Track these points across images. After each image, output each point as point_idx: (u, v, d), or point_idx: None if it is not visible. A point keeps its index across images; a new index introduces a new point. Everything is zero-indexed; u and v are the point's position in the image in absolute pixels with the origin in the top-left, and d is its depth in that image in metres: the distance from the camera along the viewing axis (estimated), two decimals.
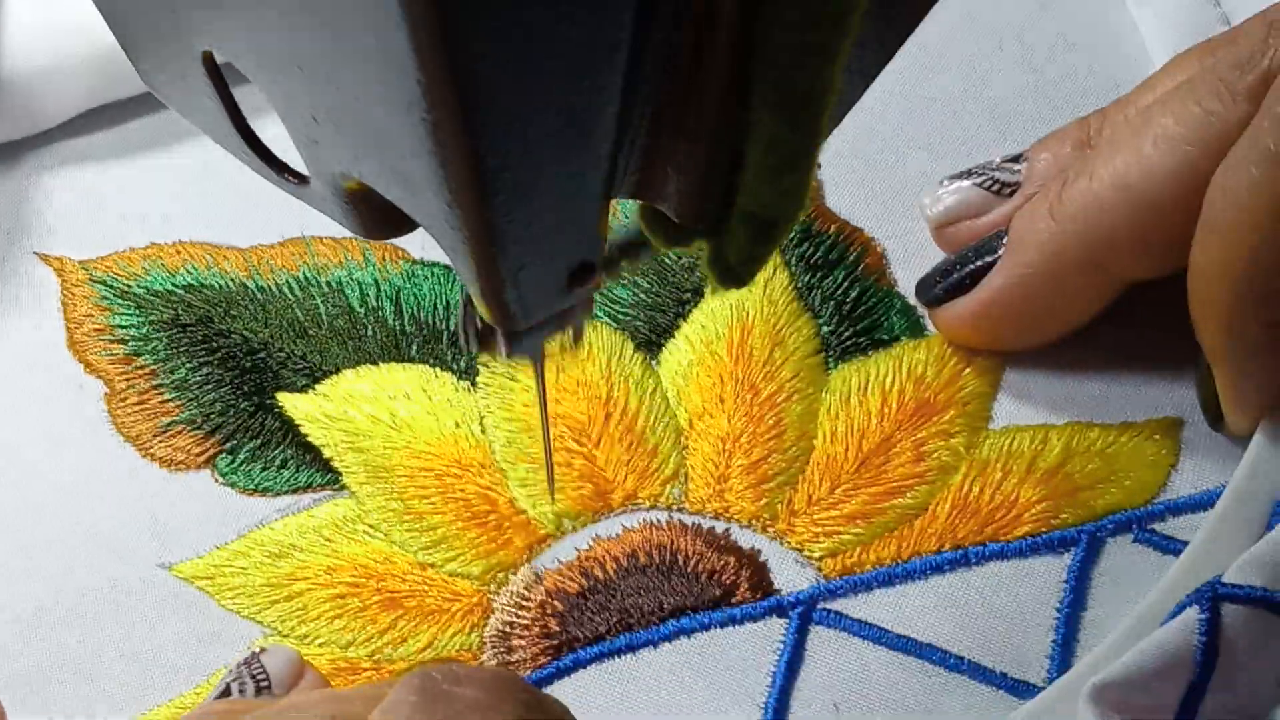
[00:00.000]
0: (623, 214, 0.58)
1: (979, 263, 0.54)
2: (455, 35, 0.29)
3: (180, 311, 0.59)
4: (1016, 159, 0.56)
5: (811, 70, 0.34)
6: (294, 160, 0.38)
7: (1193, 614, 0.45)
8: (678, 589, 0.51)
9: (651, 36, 0.33)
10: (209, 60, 0.36)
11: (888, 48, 0.39)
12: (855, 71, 0.37)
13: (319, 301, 0.59)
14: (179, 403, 0.57)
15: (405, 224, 0.37)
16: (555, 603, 0.51)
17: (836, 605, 0.51)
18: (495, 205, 0.33)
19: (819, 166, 0.36)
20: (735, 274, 0.40)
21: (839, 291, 0.58)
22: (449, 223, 0.33)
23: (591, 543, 0.53)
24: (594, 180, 0.35)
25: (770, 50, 0.34)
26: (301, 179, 0.38)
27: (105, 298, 0.59)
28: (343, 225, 0.38)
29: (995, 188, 0.55)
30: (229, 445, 0.56)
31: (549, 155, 0.33)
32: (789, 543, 0.52)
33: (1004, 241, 0.53)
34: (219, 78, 0.37)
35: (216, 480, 0.55)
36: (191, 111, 0.39)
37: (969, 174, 0.56)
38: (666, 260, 0.59)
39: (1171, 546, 0.51)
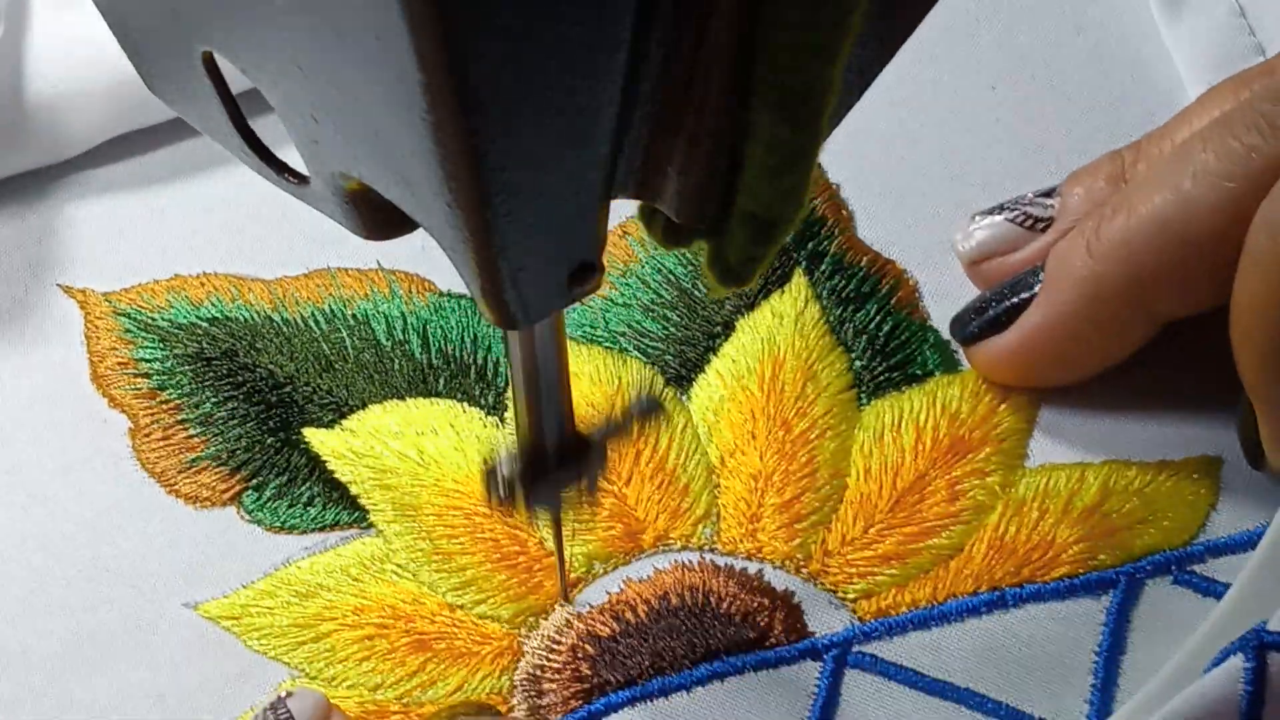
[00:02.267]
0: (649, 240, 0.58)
1: (1014, 299, 0.53)
2: (455, 35, 0.29)
3: (205, 345, 0.58)
4: (1049, 193, 0.55)
5: (811, 70, 0.34)
6: (294, 160, 0.37)
7: (1237, 662, 0.44)
8: (711, 632, 0.51)
9: (651, 36, 0.33)
10: (209, 61, 0.36)
11: (888, 48, 0.38)
12: (855, 71, 0.37)
13: (345, 335, 0.58)
14: (204, 438, 0.56)
15: (405, 224, 0.37)
16: (587, 646, 0.51)
17: (871, 648, 0.50)
18: (495, 205, 0.33)
19: (819, 166, 0.36)
20: (735, 274, 0.39)
21: (871, 325, 0.57)
22: (449, 223, 0.33)
23: (623, 585, 0.52)
24: (594, 180, 0.35)
25: (770, 50, 0.33)
26: (301, 179, 0.38)
27: (129, 330, 0.59)
28: (343, 225, 0.38)
29: (1028, 223, 0.55)
30: (255, 482, 0.55)
31: (549, 155, 0.33)
32: (823, 584, 0.52)
33: (1039, 278, 0.53)
34: (219, 78, 0.37)
35: (242, 517, 0.55)
36: (192, 112, 0.39)
37: (1001, 209, 0.56)
38: (695, 294, 0.58)
39: (1211, 589, 0.50)
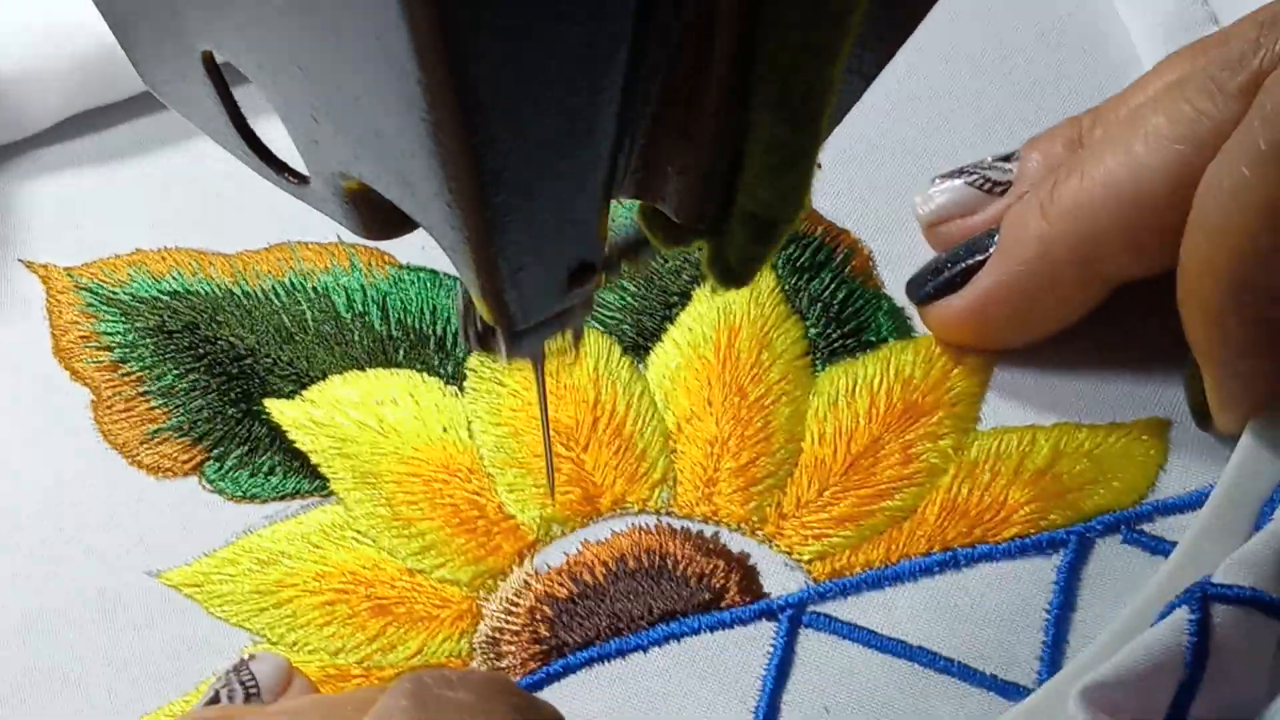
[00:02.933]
0: (622, 213, 0.58)
1: (970, 261, 0.54)
2: (455, 35, 0.29)
3: (166, 318, 0.59)
4: (1008, 158, 0.56)
5: (811, 70, 0.34)
6: (294, 160, 0.37)
7: (1182, 614, 0.45)
8: (667, 593, 0.51)
9: (651, 36, 0.33)
10: (209, 60, 0.36)
11: (888, 47, 0.39)
12: (855, 71, 0.38)
13: (305, 307, 0.58)
14: (165, 410, 0.57)
15: (405, 224, 0.37)
16: (544, 608, 0.51)
17: (826, 608, 0.51)
18: (495, 205, 0.33)
19: (819, 167, 0.36)
20: (735, 274, 0.40)
21: (826, 293, 0.58)
22: (449, 223, 0.33)
23: (580, 547, 0.53)
24: (594, 180, 0.35)
25: (770, 50, 0.34)
26: (301, 179, 0.38)
27: (91, 304, 0.59)
28: (343, 225, 0.38)
29: (987, 186, 0.55)
30: (216, 452, 0.56)
31: (549, 155, 0.33)
32: (778, 546, 0.52)
33: (995, 240, 0.53)
34: (219, 78, 0.37)
35: (204, 487, 0.55)
36: (191, 111, 0.39)
37: (961, 173, 0.56)
38: (653, 264, 0.59)
39: (1160, 547, 0.51)
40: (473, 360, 0.57)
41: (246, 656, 0.49)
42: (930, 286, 0.55)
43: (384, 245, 0.60)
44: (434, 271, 0.59)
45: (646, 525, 0.53)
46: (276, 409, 0.56)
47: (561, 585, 0.52)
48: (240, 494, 0.55)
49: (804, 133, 0.35)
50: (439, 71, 0.29)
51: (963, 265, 0.54)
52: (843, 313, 0.57)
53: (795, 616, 0.51)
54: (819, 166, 0.37)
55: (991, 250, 0.53)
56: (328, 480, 0.55)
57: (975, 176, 0.56)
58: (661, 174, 0.37)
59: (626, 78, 0.33)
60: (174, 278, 0.60)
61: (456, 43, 0.29)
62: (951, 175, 0.56)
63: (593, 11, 0.31)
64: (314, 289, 0.59)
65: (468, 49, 0.29)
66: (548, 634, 0.51)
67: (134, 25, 0.38)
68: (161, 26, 0.37)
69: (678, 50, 0.34)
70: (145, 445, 0.56)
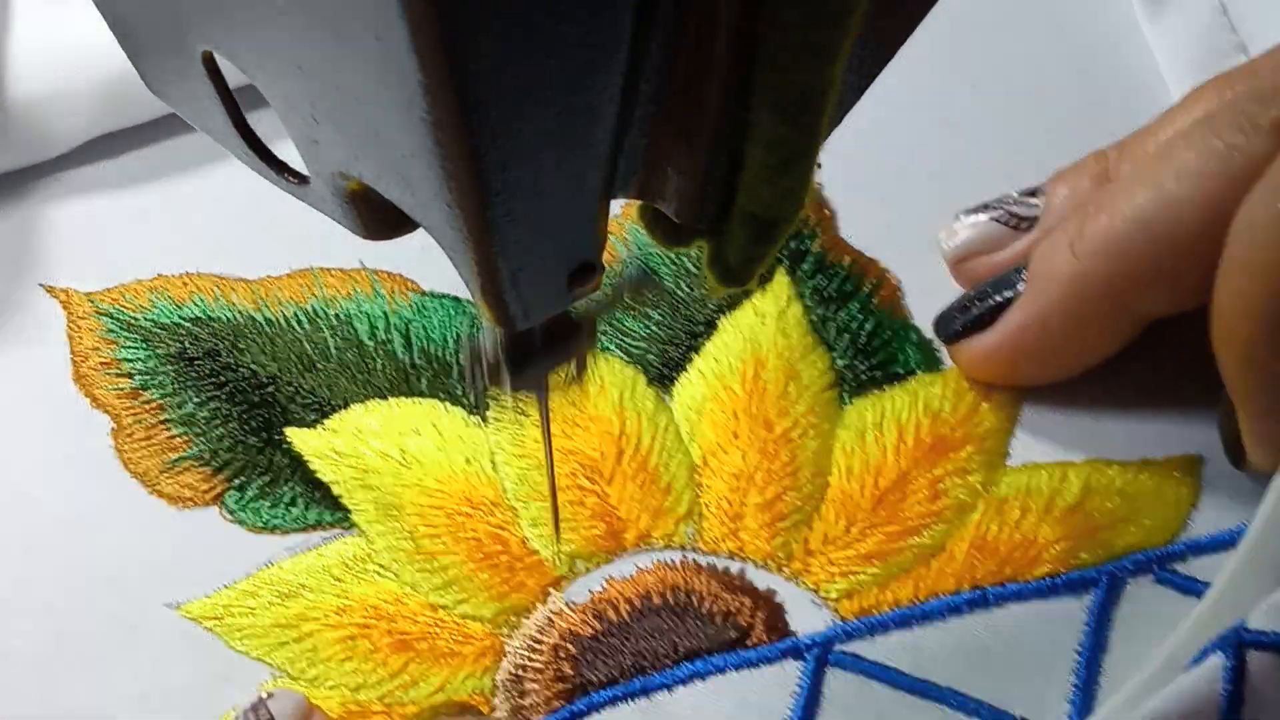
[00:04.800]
0: (632, 239, 0.58)
1: (998, 298, 0.53)
2: (455, 35, 0.29)
3: (187, 345, 0.58)
4: (1033, 193, 0.55)
5: (811, 70, 0.34)
6: (294, 160, 0.37)
7: (1217, 661, 0.44)
8: (692, 631, 0.51)
9: (651, 36, 0.33)
10: (209, 60, 0.36)
11: (888, 48, 0.38)
12: (855, 71, 0.37)
13: (328, 334, 0.58)
14: (186, 438, 0.56)
15: (405, 224, 0.37)
16: (569, 646, 0.51)
17: (853, 647, 0.50)
18: (495, 205, 0.32)
19: (819, 166, 0.36)
20: (735, 274, 0.39)
21: (854, 324, 0.57)
22: (449, 223, 0.33)
23: (605, 584, 0.52)
24: (594, 180, 0.35)
25: (770, 50, 0.33)
26: (301, 179, 0.38)
27: (111, 330, 0.59)
28: (343, 225, 0.38)
29: (1012, 222, 0.55)
30: (237, 482, 0.55)
31: (549, 155, 0.33)
32: (805, 583, 0.52)
33: (1023, 277, 0.53)
34: (219, 78, 0.37)
35: (224, 517, 0.55)
36: (192, 111, 0.39)
37: (985, 208, 0.56)
38: (678, 292, 0.58)
39: (1193, 587, 0.50)
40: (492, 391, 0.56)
41: (264, 695, 0.48)
42: (959, 324, 0.55)
43: (407, 271, 0.60)
44: (457, 299, 0.59)
45: (671, 561, 0.52)
46: (298, 438, 0.56)
47: (585, 622, 0.51)
48: (261, 525, 0.54)
49: (804, 133, 0.35)
50: (439, 71, 0.29)
51: (991, 303, 0.54)
52: (870, 344, 0.57)
53: (822, 656, 0.50)
54: (819, 165, 0.36)
55: (1020, 288, 0.53)
56: (349, 512, 0.54)
57: (1000, 212, 0.55)
58: (661, 174, 0.37)
59: (626, 78, 0.33)
60: (195, 304, 0.59)
61: (456, 43, 0.29)
62: (976, 210, 0.56)
63: (593, 11, 0.31)
64: (336, 316, 0.59)
65: (468, 49, 0.29)
66: (571, 672, 0.50)
67: (134, 26, 0.38)
68: (162, 27, 0.37)
69: (678, 50, 0.34)
70: (165, 474, 0.55)
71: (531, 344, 0.43)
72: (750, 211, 0.37)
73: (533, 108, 0.31)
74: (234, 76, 0.37)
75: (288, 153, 0.38)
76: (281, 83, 0.34)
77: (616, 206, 0.59)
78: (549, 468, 0.49)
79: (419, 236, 0.37)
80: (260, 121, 0.38)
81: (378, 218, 0.37)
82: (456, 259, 0.35)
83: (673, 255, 0.59)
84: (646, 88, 0.34)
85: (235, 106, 0.37)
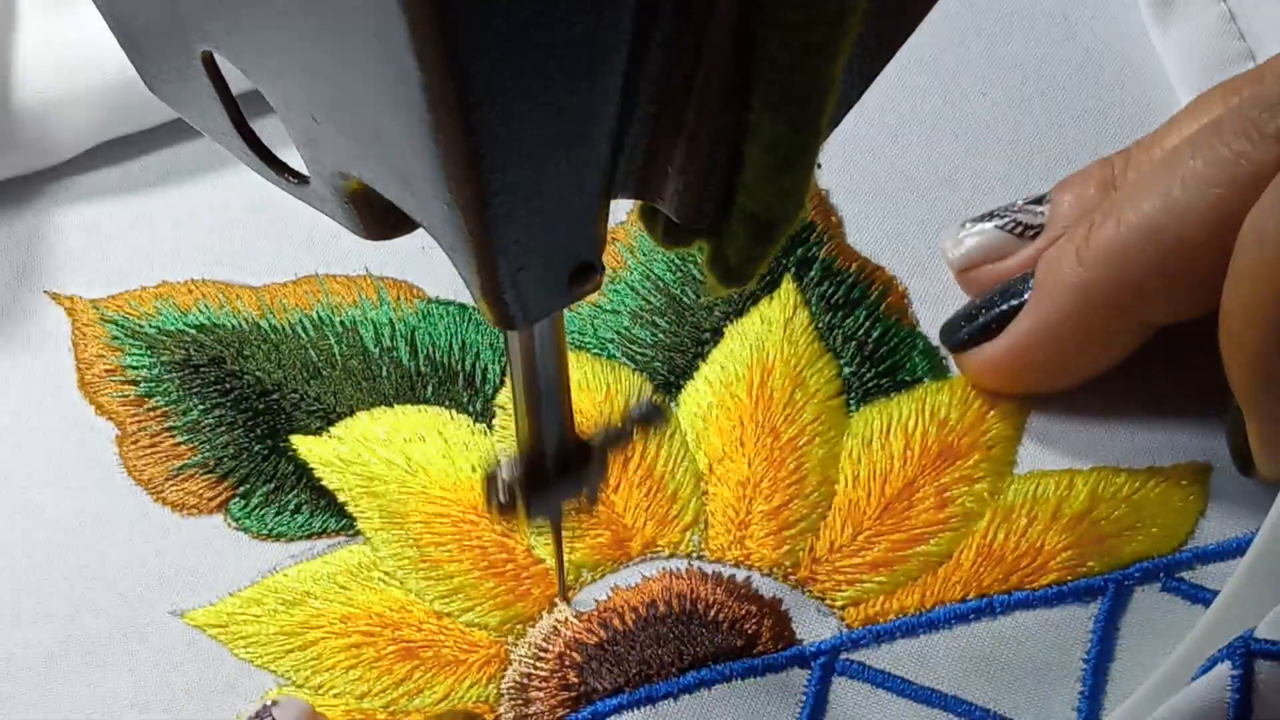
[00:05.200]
0: (638, 245, 0.58)
1: (1004, 306, 0.53)
2: (455, 35, 0.29)
3: (192, 352, 0.58)
4: (1039, 200, 0.55)
5: (811, 70, 0.34)
6: (294, 160, 0.37)
7: (1225, 670, 0.44)
8: (698, 639, 0.51)
9: (651, 36, 0.33)
10: (209, 60, 0.36)
11: (888, 48, 0.38)
12: (855, 71, 0.37)
13: (333, 341, 0.58)
14: (191, 445, 0.56)
15: (405, 224, 0.37)
16: (574, 654, 0.51)
17: (859, 656, 0.50)
18: (495, 205, 0.33)
19: (819, 166, 0.36)
20: (735, 274, 0.39)
21: (860, 332, 0.57)
22: (449, 223, 0.33)
23: (610, 592, 0.52)
24: (594, 180, 0.35)
25: (770, 50, 0.33)
26: (301, 179, 0.38)
27: (116, 337, 0.59)
28: (343, 225, 0.38)
29: (1018, 230, 0.55)
30: (242, 489, 0.55)
31: (549, 155, 0.33)
32: (811, 591, 0.52)
33: (1029, 285, 0.53)
34: (219, 78, 0.37)
35: (229, 525, 0.54)
36: (192, 111, 0.39)
37: (991, 216, 0.56)
38: (685, 300, 0.58)
39: (1200, 596, 0.50)
40: (501, 397, 0.56)
41: (269, 702, 0.48)
42: (965, 333, 0.54)
43: (412, 278, 0.59)
44: (463, 306, 0.59)
45: (677, 570, 0.52)
46: (303, 446, 0.56)
47: (591, 631, 0.51)
48: (265, 532, 0.54)
49: (804, 132, 0.35)
50: (439, 72, 0.29)
51: (998, 311, 0.53)
52: (877, 351, 0.57)
53: (828, 664, 0.50)
54: (819, 166, 0.36)
55: (1026, 296, 0.53)
56: (354, 519, 0.54)
57: (1006, 220, 0.55)
58: (661, 174, 0.37)
59: (626, 78, 0.33)
60: (200, 310, 0.59)
61: (456, 43, 0.29)
62: (981, 219, 0.56)
63: (593, 12, 0.31)
64: (342, 323, 0.58)
65: (467, 49, 0.29)
66: (577, 680, 0.50)
67: (135, 26, 0.38)
68: (162, 27, 0.37)
69: (677, 50, 0.34)
70: (170, 482, 0.55)
71: (546, 471, 0.45)
72: (750, 211, 0.37)
73: (533, 108, 0.31)
74: (236, 81, 0.37)
75: (288, 153, 0.38)
76: (281, 83, 0.34)
77: (622, 213, 0.59)
78: (559, 576, 0.51)
79: (419, 237, 0.37)
80: (263, 130, 0.38)
81: (378, 218, 0.37)
82: (456, 259, 0.35)
83: (678, 262, 0.59)
84: (646, 88, 0.34)
85: (235, 106, 0.37)
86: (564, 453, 0.45)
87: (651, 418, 0.47)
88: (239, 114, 0.38)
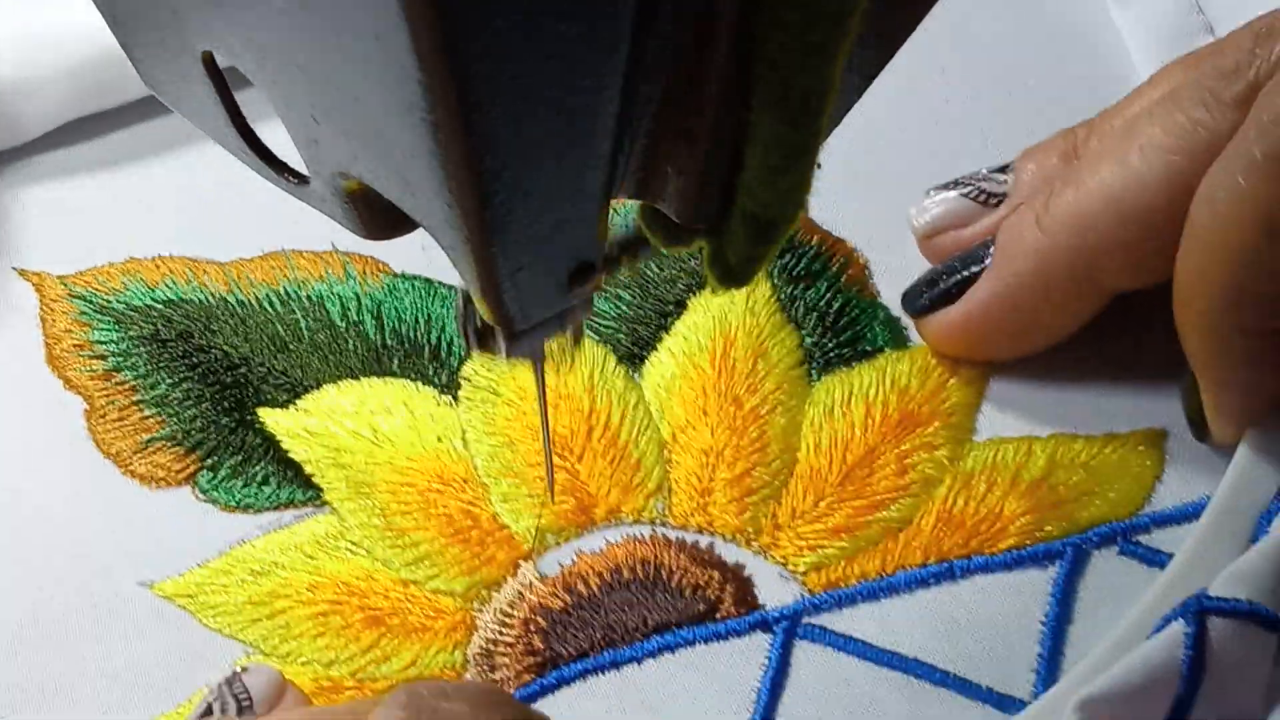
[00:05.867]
0: (622, 213, 0.58)
1: (965, 273, 0.54)
2: (455, 35, 0.29)
3: (160, 326, 0.58)
4: (1003, 169, 0.56)
5: (811, 70, 0.34)
6: (294, 160, 0.37)
7: (1179, 628, 0.45)
8: (662, 604, 0.51)
9: (651, 36, 0.33)
10: (209, 60, 0.36)
11: (888, 47, 0.39)
12: (855, 71, 0.37)
13: (299, 316, 0.58)
14: (159, 419, 0.56)
15: (405, 224, 0.37)
16: (539, 619, 0.51)
17: (821, 620, 0.51)
18: (495, 205, 0.33)
19: (819, 166, 0.36)
20: (735, 274, 0.40)
21: (822, 303, 0.58)
22: (449, 223, 0.33)
23: (575, 558, 0.52)
24: (594, 180, 0.35)
25: (770, 50, 0.33)
26: (301, 179, 0.38)
27: (84, 313, 0.59)
28: (343, 225, 0.38)
29: (982, 198, 0.55)
30: (210, 462, 0.55)
31: (549, 155, 0.33)
32: (773, 557, 0.52)
33: (990, 251, 0.53)
34: (219, 78, 0.37)
35: (197, 497, 0.55)
36: (191, 111, 0.39)
37: (955, 184, 0.56)
38: (648, 272, 0.58)
39: (1157, 559, 0.51)
40: (467, 369, 0.57)
41: (239, 669, 0.48)
42: (926, 299, 0.55)
43: (379, 253, 0.60)
44: (429, 280, 0.59)
45: (641, 536, 0.53)
46: (270, 418, 0.56)
47: (556, 596, 0.51)
48: (234, 504, 0.55)
49: (804, 133, 0.35)
50: (439, 72, 0.29)
51: (958, 277, 0.54)
52: (838, 322, 0.57)
53: (790, 628, 0.51)
54: (819, 166, 0.37)
55: (987, 262, 0.53)
56: (321, 490, 0.54)
57: (970, 188, 0.56)
58: (661, 174, 0.37)
59: (626, 78, 0.33)
60: (168, 286, 0.59)
61: (456, 43, 0.29)
62: (946, 187, 0.56)
63: (593, 12, 0.31)
64: (308, 297, 0.59)
65: (467, 49, 0.29)
66: (542, 646, 0.51)
67: (134, 25, 0.38)
68: (161, 27, 0.37)
69: (677, 50, 0.34)
70: (139, 455, 0.56)
71: None
72: (750, 211, 0.37)
73: (533, 108, 0.31)
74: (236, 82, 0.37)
75: (287, 153, 0.38)
76: (281, 83, 0.34)
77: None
78: (544, 431, 0.49)
79: (420, 237, 0.37)
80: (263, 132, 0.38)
81: (378, 218, 0.37)
82: (456, 259, 0.35)
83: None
84: (646, 88, 0.34)
85: (235, 106, 0.37)
86: None
87: (636, 245, 0.46)
88: (239, 114, 0.38)
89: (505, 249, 0.34)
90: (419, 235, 0.37)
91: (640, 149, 0.36)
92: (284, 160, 0.38)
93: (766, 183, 0.36)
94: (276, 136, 0.37)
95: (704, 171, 0.36)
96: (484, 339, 0.41)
